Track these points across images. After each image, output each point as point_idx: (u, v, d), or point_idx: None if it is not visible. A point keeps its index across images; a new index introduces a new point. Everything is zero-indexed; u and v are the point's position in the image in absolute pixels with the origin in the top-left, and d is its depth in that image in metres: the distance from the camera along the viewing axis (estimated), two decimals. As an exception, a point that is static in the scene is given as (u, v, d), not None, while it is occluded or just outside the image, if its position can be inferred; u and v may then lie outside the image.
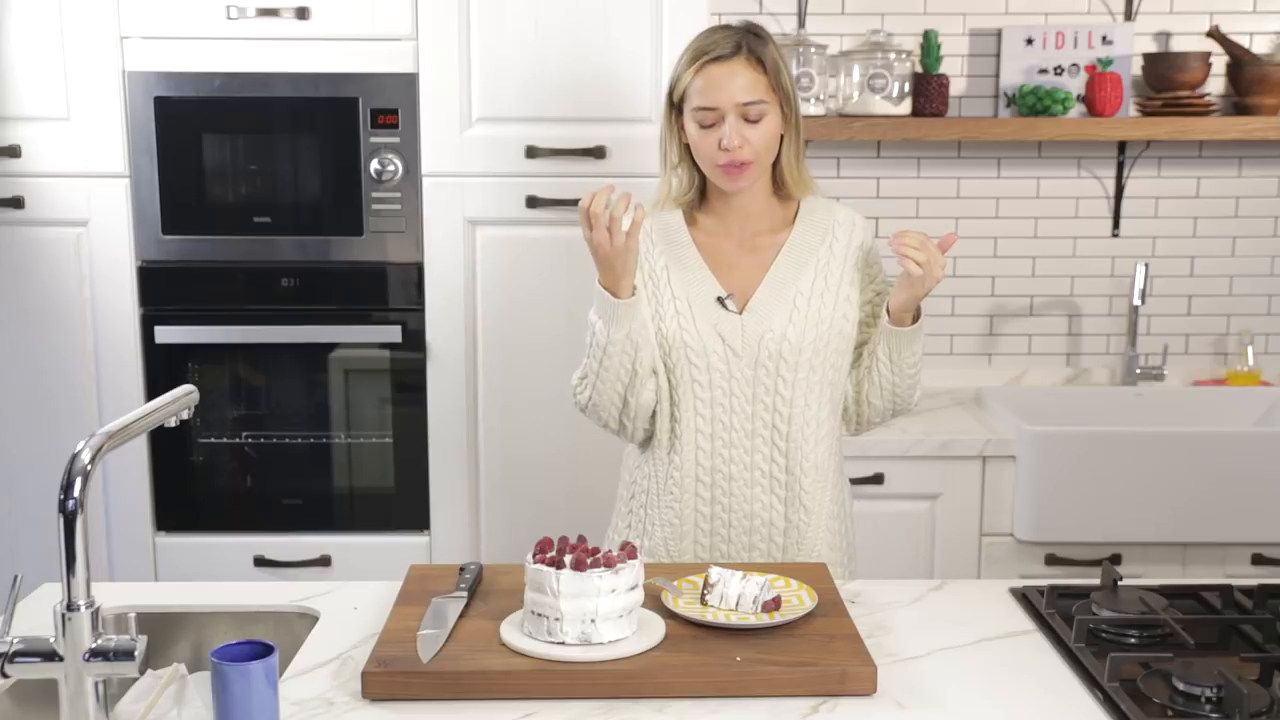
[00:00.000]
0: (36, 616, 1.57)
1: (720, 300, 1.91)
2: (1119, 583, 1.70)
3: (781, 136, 1.91)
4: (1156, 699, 1.41)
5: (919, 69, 3.06)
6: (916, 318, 1.92)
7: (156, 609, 1.73)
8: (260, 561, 2.81)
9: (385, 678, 1.42)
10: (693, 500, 1.94)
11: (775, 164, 1.94)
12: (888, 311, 1.91)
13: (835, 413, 1.99)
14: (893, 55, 3.01)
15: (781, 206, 1.98)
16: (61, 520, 1.27)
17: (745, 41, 1.86)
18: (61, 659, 1.28)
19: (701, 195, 1.97)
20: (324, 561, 2.82)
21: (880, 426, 2.06)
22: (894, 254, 1.84)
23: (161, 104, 2.69)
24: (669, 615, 1.56)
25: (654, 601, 1.59)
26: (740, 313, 1.91)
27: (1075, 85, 3.12)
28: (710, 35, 1.89)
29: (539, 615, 1.48)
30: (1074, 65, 3.12)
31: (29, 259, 2.74)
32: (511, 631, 1.51)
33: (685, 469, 1.93)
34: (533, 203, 2.70)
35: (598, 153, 2.68)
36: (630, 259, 1.81)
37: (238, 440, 2.85)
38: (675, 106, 1.92)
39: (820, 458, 1.95)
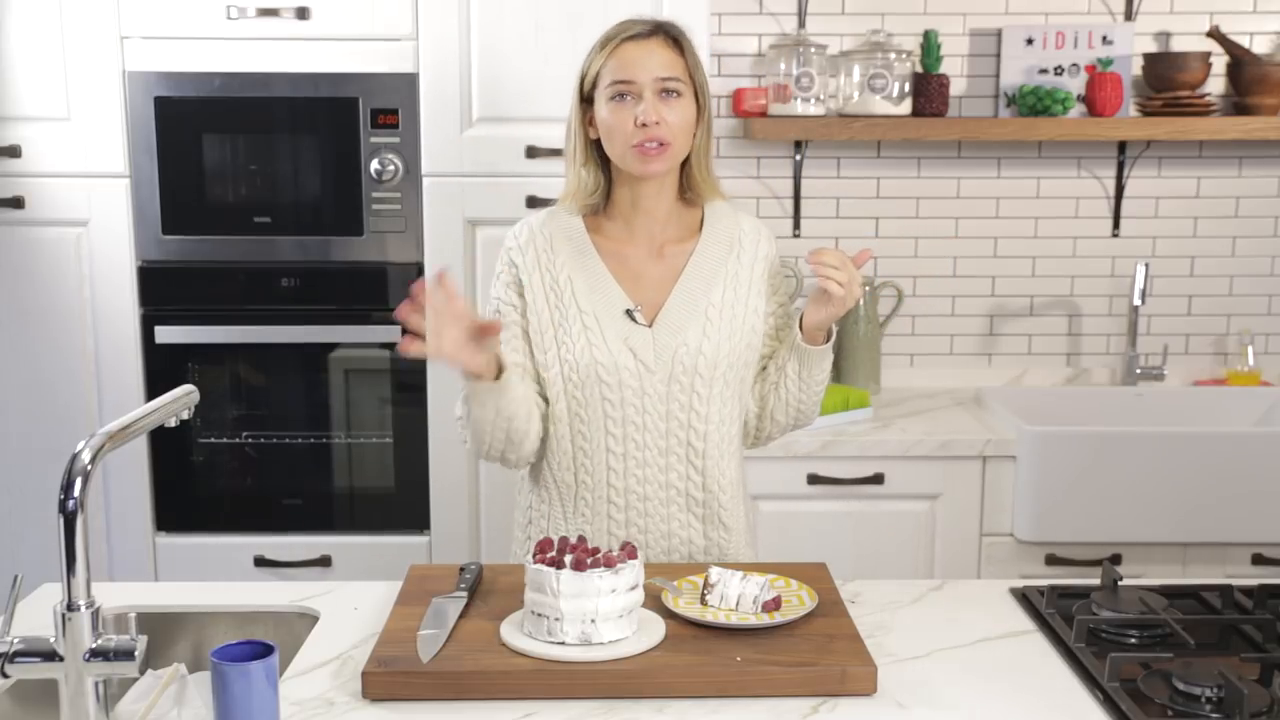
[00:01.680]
0: (36, 616, 1.57)
1: (629, 313, 1.82)
2: (1119, 583, 1.70)
3: (694, 136, 1.84)
4: (1156, 699, 1.41)
5: (919, 69, 3.06)
6: (829, 337, 1.85)
7: (156, 609, 1.73)
8: (260, 561, 2.81)
9: (385, 678, 1.42)
10: (605, 523, 1.86)
11: (684, 165, 1.86)
12: (800, 329, 1.83)
13: (741, 427, 1.93)
14: (893, 55, 3.01)
15: (687, 212, 1.90)
16: (61, 520, 1.27)
17: (662, 25, 1.81)
18: (61, 659, 1.29)
19: (606, 199, 1.88)
20: (324, 561, 2.82)
21: (777, 441, 2.01)
22: (813, 272, 1.75)
23: (161, 104, 2.69)
24: (669, 615, 1.56)
25: (654, 601, 1.59)
26: (650, 325, 1.83)
27: (1075, 85, 3.12)
28: (623, 23, 1.82)
29: (539, 615, 1.48)
30: (1074, 65, 3.12)
31: (29, 259, 2.74)
32: (511, 631, 1.51)
33: (597, 490, 1.85)
34: (533, 203, 2.70)
35: (598, 153, 2.67)
36: (478, 353, 1.70)
37: (238, 440, 2.85)
38: (585, 99, 1.83)
39: (734, 473, 1.90)
